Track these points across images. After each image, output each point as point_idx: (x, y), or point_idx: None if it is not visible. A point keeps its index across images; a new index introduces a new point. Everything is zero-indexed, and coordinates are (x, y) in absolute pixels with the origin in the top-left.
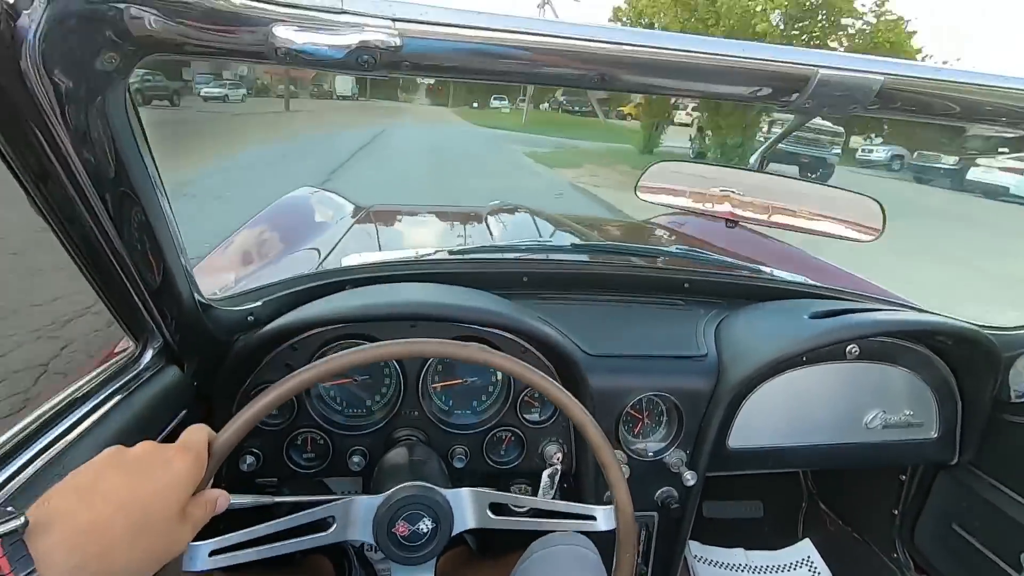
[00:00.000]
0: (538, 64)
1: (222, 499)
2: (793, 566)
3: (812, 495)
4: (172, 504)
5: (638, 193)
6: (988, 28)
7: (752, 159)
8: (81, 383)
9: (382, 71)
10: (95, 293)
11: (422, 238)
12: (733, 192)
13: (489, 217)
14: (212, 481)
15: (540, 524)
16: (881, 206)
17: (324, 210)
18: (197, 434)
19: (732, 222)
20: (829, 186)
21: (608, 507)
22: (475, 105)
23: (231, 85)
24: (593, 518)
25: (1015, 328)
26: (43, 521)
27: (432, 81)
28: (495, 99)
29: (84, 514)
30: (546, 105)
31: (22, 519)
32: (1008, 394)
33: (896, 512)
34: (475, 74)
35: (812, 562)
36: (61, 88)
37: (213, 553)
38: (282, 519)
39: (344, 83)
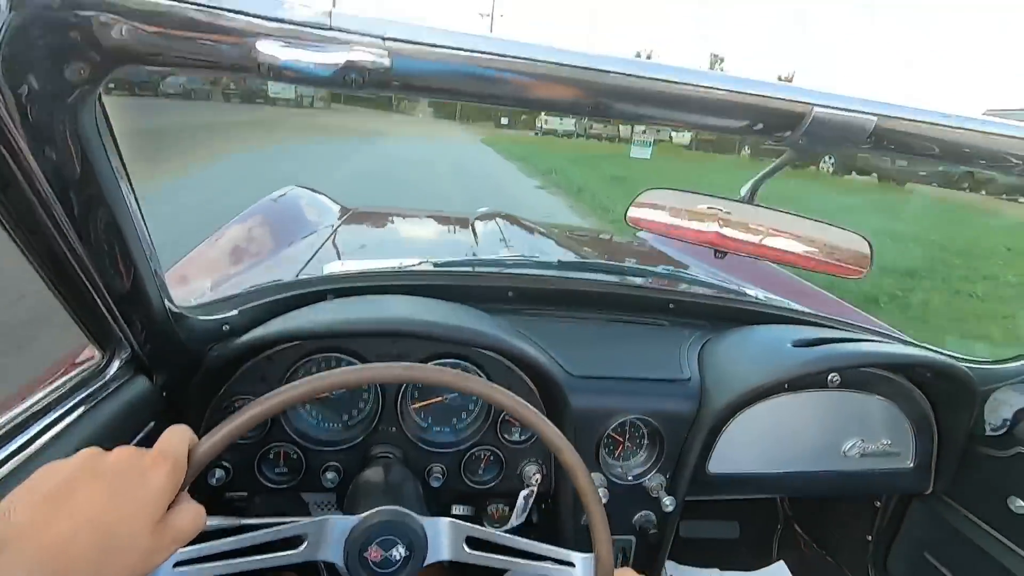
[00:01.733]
0: (530, 89)
1: (199, 516)
2: None
3: (788, 518)
4: (144, 521)
5: (627, 220)
6: None
7: (743, 190)
8: (41, 395)
9: (371, 89)
10: (57, 300)
11: (408, 244)
12: (722, 222)
13: (476, 223)
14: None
15: (515, 564)
16: (870, 243)
17: (308, 212)
18: (178, 436)
19: (721, 252)
20: (819, 220)
21: (588, 555)
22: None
23: None
24: (571, 564)
25: (993, 362)
26: (2, 536)
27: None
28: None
29: (46, 530)
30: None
31: None
32: (983, 428)
33: (870, 538)
34: (466, 96)
35: None
36: (23, 95)
37: (178, 564)
38: (253, 533)
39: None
